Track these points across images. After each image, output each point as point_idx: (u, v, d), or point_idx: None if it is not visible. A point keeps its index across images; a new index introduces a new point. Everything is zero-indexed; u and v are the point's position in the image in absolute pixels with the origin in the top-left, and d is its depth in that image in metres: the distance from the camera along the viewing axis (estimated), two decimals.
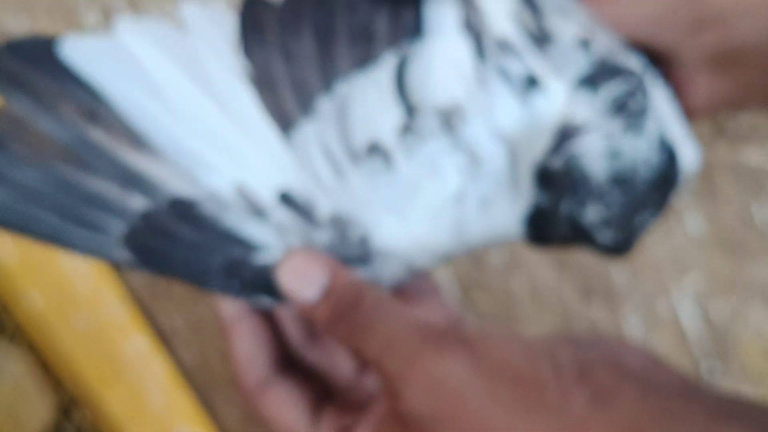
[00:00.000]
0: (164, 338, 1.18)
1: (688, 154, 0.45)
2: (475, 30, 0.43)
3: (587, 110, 0.41)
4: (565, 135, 0.41)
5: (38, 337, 1.01)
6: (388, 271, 0.41)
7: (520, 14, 0.44)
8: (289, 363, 0.45)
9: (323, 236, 0.41)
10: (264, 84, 0.41)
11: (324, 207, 0.41)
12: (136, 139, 0.39)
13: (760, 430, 0.33)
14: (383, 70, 0.42)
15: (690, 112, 0.48)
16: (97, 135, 0.39)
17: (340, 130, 0.41)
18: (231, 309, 0.44)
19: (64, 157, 0.39)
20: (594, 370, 0.35)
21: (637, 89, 0.41)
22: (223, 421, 1.22)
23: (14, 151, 0.38)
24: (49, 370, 1.03)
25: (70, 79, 0.39)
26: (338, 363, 0.46)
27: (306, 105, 0.41)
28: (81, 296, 1.03)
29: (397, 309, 0.38)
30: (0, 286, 0.98)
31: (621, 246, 0.42)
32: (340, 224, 0.41)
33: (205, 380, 1.21)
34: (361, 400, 0.44)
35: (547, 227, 0.42)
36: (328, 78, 0.41)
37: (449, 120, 0.41)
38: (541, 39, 0.44)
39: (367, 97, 0.42)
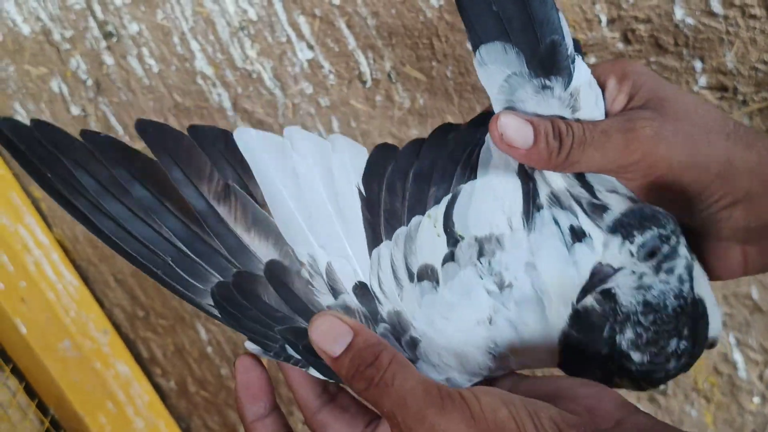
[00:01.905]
0: (144, 366, 1.21)
1: (716, 317, 0.51)
2: (529, 176, 0.52)
3: (621, 256, 0.46)
4: (599, 277, 0.47)
5: (23, 364, 1.03)
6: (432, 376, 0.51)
7: (571, 187, 0.52)
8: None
9: (381, 328, 0.51)
10: (369, 206, 0.52)
11: (386, 306, 0.51)
12: (250, 221, 0.51)
13: None
14: (441, 207, 0.52)
15: (725, 278, 0.53)
16: (222, 210, 0.50)
17: (404, 251, 0.51)
18: (254, 411, 0.52)
19: (193, 220, 0.50)
20: (570, 430, 0.41)
21: (671, 235, 0.47)
22: None
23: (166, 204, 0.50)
24: (33, 395, 1.06)
25: (226, 157, 0.51)
26: (342, 425, 0.53)
27: (389, 231, 0.52)
28: (64, 324, 1.06)
29: (407, 368, 0.44)
30: None
31: (654, 372, 0.49)
32: (396, 321, 0.51)
33: (184, 406, 1.24)
34: None
35: (580, 361, 0.49)
36: (407, 212, 0.53)
37: (484, 248, 0.50)
38: (597, 207, 0.51)
39: (425, 228, 0.52)
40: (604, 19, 0.87)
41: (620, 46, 0.88)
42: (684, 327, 0.48)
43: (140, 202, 0.50)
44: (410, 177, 0.53)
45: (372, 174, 0.53)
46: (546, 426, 0.41)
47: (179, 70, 0.98)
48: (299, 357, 0.50)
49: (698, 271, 0.51)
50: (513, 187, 0.52)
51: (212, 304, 0.50)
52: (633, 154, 0.49)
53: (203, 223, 0.50)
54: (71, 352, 1.06)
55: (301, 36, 0.94)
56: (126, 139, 1.04)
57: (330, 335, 0.45)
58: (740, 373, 0.99)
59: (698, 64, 0.87)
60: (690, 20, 0.85)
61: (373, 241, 0.52)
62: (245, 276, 0.50)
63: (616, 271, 0.47)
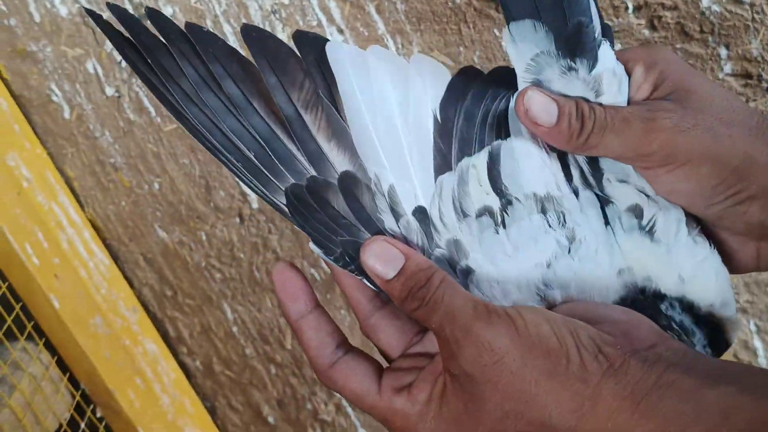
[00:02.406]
0: (170, 345, 1.23)
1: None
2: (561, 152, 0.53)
3: None
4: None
5: (56, 339, 1.05)
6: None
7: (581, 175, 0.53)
8: (351, 347, 0.53)
9: (437, 253, 0.53)
10: (442, 133, 0.53)
11: (443, 235, 0.52)
12: (331, 131, 0.53)
13: (741, 389, 0.40)
14: (480, 161, 0.53)
15: (740, 271, 0.54)
16: (308, 118, 0.52)
17: (459, 194, 0.53)
18: (295, 309, 0.52)
19: (279, 123, 0.53)
20: (607, 347, 0.43)
21: None
22: (225, 425, 1.27)
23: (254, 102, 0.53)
24: (65, 369, 1.08)
25: (320, 67, 0.53)
26: (394, 330, 0.55)
27: (459, 160, 0.54)
28: (95, 301, 1.08)
29: (456, 288, 0.46)
30: (20, 290, 1.03)
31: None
32: (454, 250, 0.52)
33: (209, 386, 1.25)
34: (412, 365, 0.51)
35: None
36: (479, 145, 0.54)
37: (545, 205, 0.51)
38: (601, 201, 0.53)
39: (472, 179, 0.53)
40: (630, 5, 0.88)
41: (646, 32, 0.89)
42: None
43: (230, 99, 0.52)
44: (480, 111, 0.54)
45: (450, 100, 0.54)
46: (585, 343, 0.43)
47: None
48: (355, 267, 0.51)
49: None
50: (551, 158, 0.53)
51: (284, 203, 0.52)
52: (652, 143, 0.49)
53: (289, 127, 0.52)
54: (102, 329, 1.08)
55: (331, 20, 0.96)
56: (158, 121, 1.06)
57: (382, 259, 0.47)
58: (760, 360, 0.99)
59: (723, 52, 0.87)
60: (716, 7, 0.86)
61: (441, 168, 0.53)
62: (320, 181, 0.52)
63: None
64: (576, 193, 0.52)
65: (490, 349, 0.43)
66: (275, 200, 0.53)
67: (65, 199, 1.08)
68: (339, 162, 0.52)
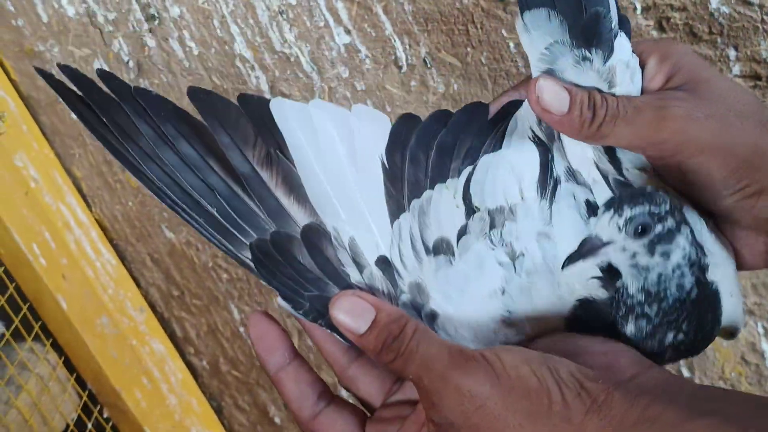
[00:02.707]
0: (177, 345, 1.23)
1: (734, 307, 0.51)
2: (547, 148, 0.52)
3: (609, 229, 0.47)
4: (587, 248, 0.48)
5: (63, 339, 1.05)
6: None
7: (599, 161, 0.52)
8: (333, 396, 0.53)
9: (403, 299, 0.52)
10: (391, 178, 0.53)
11: (406, 278, 0.52)
12: (289, 187, 0.53)
13: (724, 419, 0.39)
14: (461, 178, 0.53)
15: (747, 268, 0.53)
16: (265, 175, 0.52)
17: (419, 225, 0.52)
18: (274, 362, 0.52)
19: (236, 181, 0.53)
20: (588, 382, 0.42)
21: (666, 215, 0.47)
22: (231, 425, 1.27)
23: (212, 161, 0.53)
24: (72, 369, 1.08)
25: (269, 126, 0.53)
26: (372, 379, 0.55)
27: (410, 202, 0.53)
28: (102, 301, 1.08)
29: (430, 336, 0.45)
30: (27, 291, 1.03)
31: (654, 356, 0.48)
32: (417, 293, 0.52)
33: (216, 385, 1.25)
34: (394, 415, 0.51)
35: (589, 332, 0.50)
36: (428, 184, 0.54)
37: (495, 220, 0.51)
38: (622, 184, 0.51)
39: (442, 200, 0.53)
40: (638, 6, 0.87)
41: (654, 33, 0.88)
42: (684, 321, 0.48)
43: (186, 159, 0.52)
44: (434, 148, 0.53)
45: (395, 145, 0.53)
46: (566, 380, 0.42)
47: (219, 53, 1.00)
48: (325, 322, 0.51)
49: (720, 257, 0.51)
50: (530, 157, 0.52)
51: (250, 257, 0.52)
52: (662, 131, 0.48)
53: (246, 185, 0.52)
54: (109, 329, 1.08)
55: (338, 20, 0.96)
56: None
57: (352, 313, 0.46)
58: None
59: (732, 53, 0.87)
60: (725, 9, 0.85)
61: (396, 212, 0.53)
62: (283, 235, 0.52)
63: (604, 244, 0.47)
64: (556, 184, 0.52)
65: (471, 396, 0.42)
66: (240, 255, 0.52)
67: (72, 200, 1.08)
68: (300, 216, 0.52)
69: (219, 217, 0.52)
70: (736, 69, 0.88)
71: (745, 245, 0.52)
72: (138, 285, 1.18)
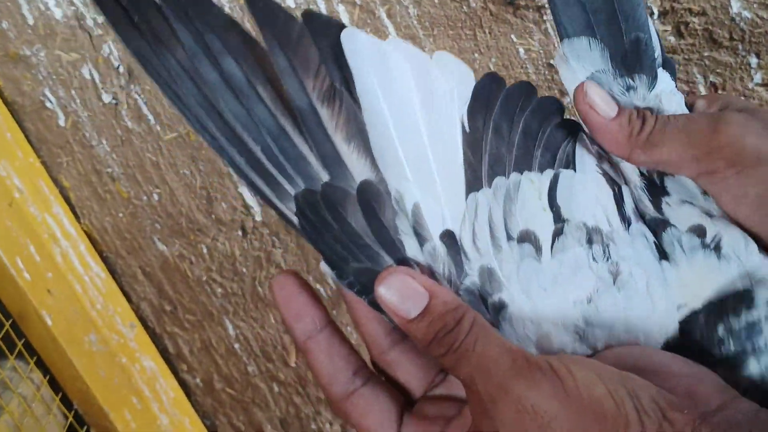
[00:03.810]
0: (170, 362, 1.19)
1: None
2: (615, 182, 0.48)
3: None
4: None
5: (48, 357, 1.01)
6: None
7: (640, 198, 0.49)
8: (370, 374, 0.47)
9: (467, 283, 0.45)
10: (472, 144, 0.46)
11: (475, 262, 0.45)
12: (351, 132, 0.44)
13: None
14: (543, 179, 0.47)
15: None
16: (324, 113, 0.44)
17: (504, 210, 0.46)
18: (303, 328, 0.47)
19: (286, 116, 0.44)
20: (672, 412, 0.37)
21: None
22: None
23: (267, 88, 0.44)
24: (57, 389, 1.04)
25: (337, 56, 0.44)
26: (415, 367, 0.48)
27: (491, 177, 0.47)
28: (90, 317, 1.04)
29: (490, 333, 0.40)
30: (10, 306, 0.99)
31: None
32: (487, 280, 0.45)
33: (210, 404, 1.21)
34: (438, 414, 0.45)
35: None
36: (513, 165, 0.48)
37: (592, 236, 0.46)
38: (658, 223, 0.47)
39: (527, 194, 0.47)
40: (656, 11, 0.84)
41: (672, 39, 0.84)
42: None
43: (231, 80, 0.43)
44: (519, 127, 0.48)
45: (478, 107, 0.47)
46: (647, 408, 0.36)
47: None
48: (371, 300, 0.44)
49: None
50: (607, 191, 0.48)
51: (294, 210, 0.44)
52: (719, 136, 0.44)
53: (300, 121, 0.44)
54: (97, 346, 1.03)
55: None
56: (157, 129, 1.02)
57: (402, 294, 0.40)
58: None
59: (754, 60, 0.83)
60: (747, 13, 0.82)
61: (472, 184, 0.46)
62: (337, 189, 0.44)
63: None
64: (628, 223, 0.47)
65: (534, 412, 0.36)
66: (283, 208, 0.44)
67: (59, 210, 1.04)
68: (359, 169, 0.44)
69: (263, 157, 0.44)
70: (758, 77, 0.84)
71: None
72: (129, 300, 1.13)
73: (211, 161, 1.02)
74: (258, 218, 1.05)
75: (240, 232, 1.07)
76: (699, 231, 0.46)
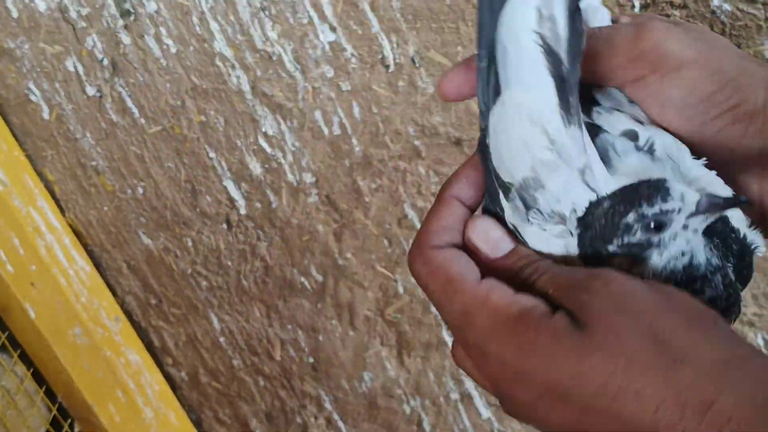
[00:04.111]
0: (155, 355, 1.19)
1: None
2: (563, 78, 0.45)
3: None
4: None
5: (31, 350, 1.01)
6: None
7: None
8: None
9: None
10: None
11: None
12: None
13: None
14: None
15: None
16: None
17: None
18: (457, 187, 0.48)
19: None
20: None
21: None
22: None
23: None
24: (41, 382, 1.04)
25: None
26: None
27: None
28: (75, 311, 1.04)
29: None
30: None
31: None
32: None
33: (195, 397, 1.21)
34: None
35: None
36: None
37: (526, 199, 0.45)
38: (592, 128, 0.46)
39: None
40: (637, 3, 0.85)
41: None
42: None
43: None
44: None
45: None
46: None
47: (197, 51, 0.96)
48: None
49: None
50: (544, 87, 0.44)
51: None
52: (641, 42, 0.45)
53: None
54: (81, 339, 1.03)
55: (323, 17, 0.92)
56: (142, 123, 1.02)
57: (483, 236, 0.46)
58: None
59: None
60: (727, 6, 0.82)
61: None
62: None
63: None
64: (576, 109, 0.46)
65: (622, 283, 0.40)
66: None
67: (44, 204, 1.04)
68: None
69: None
70: None
71: (737, 189, 0.47)
72: (114, 293, 1.13)
73: (195, 154, 1.02)
74: (242, 211, 1.06)
75: (225, 226, 1.07)
76: (631, 135, 0.46)
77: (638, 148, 0.46)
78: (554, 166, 0.44)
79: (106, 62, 0.99)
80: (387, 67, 0.93)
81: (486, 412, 1.11)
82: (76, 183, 1.07)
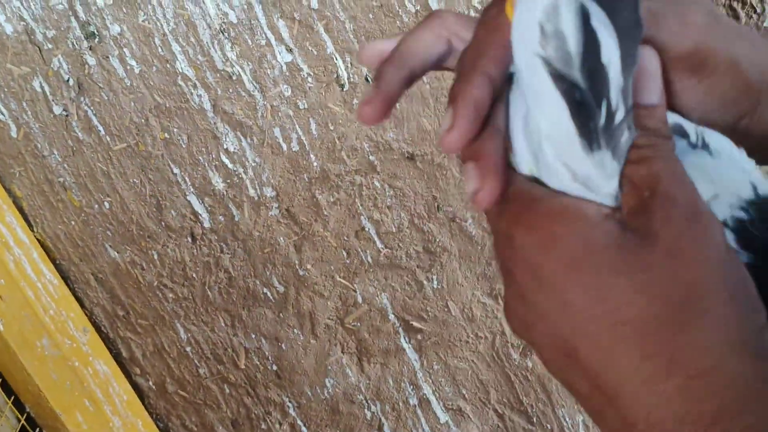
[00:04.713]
0: (123, 365, 1.21)
1: None
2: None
3: None
4: None
5: (0, 362, 1.03)
6: None
7: None
8: None
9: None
10: None
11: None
12: None
13: None
14: None
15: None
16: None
17: None
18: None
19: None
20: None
21: None
22: None
23: None
24: (10, 392, 1.06)
25: None
26: None
27: None
28: (43, 322, 1.07)
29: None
30: None
31: None
32: None
33: (162, 406, 1.24)
34: None
35: None
36: None
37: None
38: None
39: None
40: None
41: None
42: None
43: None
44: None
45: None
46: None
47: (160, 71, 0.99)
48: None
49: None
50: (559, 115, 0.38)
51: None
52: (686, 39, 0.41)
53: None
54: (49, 350, 1.06)
55: (280, 39, 0.95)
56: (107, 140, 1.05)
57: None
58: None
59: None
60: None
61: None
62: None
63: None
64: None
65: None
66: None
67: (12, 219, 1.06)
68: None
69: None
70: None
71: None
72: (82, 305, 1.16)
73: (159, 170, 1.06)
74: (206, 225, 1.09)
75: (189, 239, 1.10)
76: (679, 130, 0.43)
77: (693, 146, 0.42)
78: (583, 196, 0.39)
79: (71, 82, 1.02)
80: (342, 85, 0.97)
81: (444, 416, 1.15)
82: (43, 198, 1.10)
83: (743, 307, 0.36)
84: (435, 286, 1.11)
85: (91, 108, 1.03)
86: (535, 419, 1.16)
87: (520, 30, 0.37)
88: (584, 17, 0.36)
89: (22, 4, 0.98)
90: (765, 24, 0.85)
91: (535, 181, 0.40)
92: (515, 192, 0.39)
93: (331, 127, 0.99)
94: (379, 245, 1.06)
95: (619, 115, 0.38)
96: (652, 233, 0.37)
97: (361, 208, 1.04)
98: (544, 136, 0.38)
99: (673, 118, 0.41)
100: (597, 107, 0.37)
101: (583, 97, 0.37)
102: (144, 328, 1.18)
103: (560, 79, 0.36)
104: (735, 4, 0.84)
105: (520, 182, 0.40)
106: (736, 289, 0.37)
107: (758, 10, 0.84)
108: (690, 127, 0.42)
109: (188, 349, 1.19)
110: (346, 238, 1.06)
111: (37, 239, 1.11)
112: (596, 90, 0.37)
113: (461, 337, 1.13)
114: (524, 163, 0.40)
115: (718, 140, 0.42)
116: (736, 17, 0.84)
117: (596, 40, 0.36)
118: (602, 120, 0.37)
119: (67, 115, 1.04)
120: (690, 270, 0.36)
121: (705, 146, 0.42)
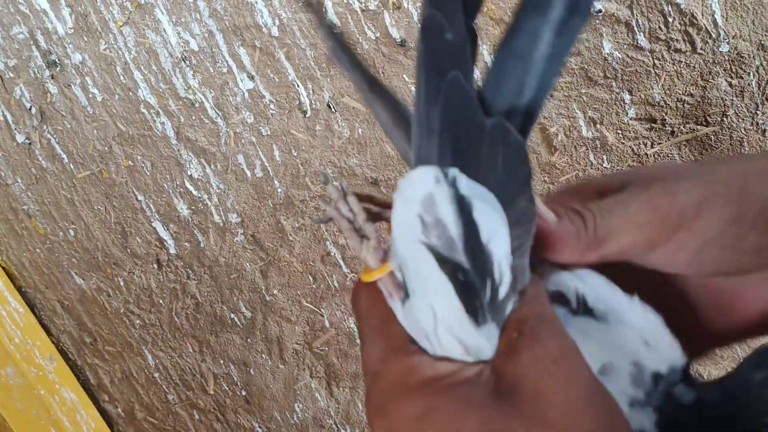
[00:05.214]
0: (91, 393, 1.20)
1: None
2: None
3: None
4: None
5: None
6: None
7: None
8: None
9: None
10: None
11: None
12: None
13: None
14: None
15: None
16: None
17: None
18: None
19: None
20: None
21: None
22: None
23: None
24: None
25: None
26: None
27: None
28: (8, 351, 1.06)
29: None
30: None
31: None
32: None
33: None
34: None
35: None
36: None
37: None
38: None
39: None
40: None
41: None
42: None
43: None
44: None
45: None
46: None
47: (123, 99, 0.99)
48: None
49: None
50: (446, 294, 0.40)
51: None
52: (664, 211, 0.41)
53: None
54: (14, 379, 1.05)
55: (241, 66, 0.96)
56: (71, 168, 1.05)
57: None
58: None
59: (627, 96, 0.89)
60: (617, 53, 0.87)
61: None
62: None
63: None
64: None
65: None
66: None
67: None
68: None
69: None
70: (632, 112, 0.89)
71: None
72: (48, 333, 1.15)
73: (124, 197, 1.05)
74: (172, 251, 1.09)
75: (155, 265, 1.10)
76: (559, 298, 0.43)
77: (573, 311, 0.43)
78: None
79: (34, 110, 1.02)
80: (304, 112, 0.97)
81: None
82: (8, 226, 1.09)
83: None
84: None
85: (54, 136, 1.03)
86: None
87: (400, 226, 0.38)
88: (460, 202, 0.37)
89: None
90: (720, 49, 0.86)
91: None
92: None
93: (295, 153, 0.99)
94: (345, 270, 1.06)
95: (503, 290, 0.39)
96: (519, 376, 0.37)
97: (326, 233, 1.04)
98: (439, 319, 0.39)
99: (556, 284, 0.43)
100: (482, 285, 0.38)
101: (467, 278, 0.38)
102: (111, 355, 1.18)
103: (445, 262, 0.38)
104: (690, 30, 0.85)
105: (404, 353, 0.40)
106: (605, 424, 0.37)
107: (713, 35, 0.85)
108: (569, 287, 0.43)
109: (156, 375, 1.18)
110: (312, 263, 1.06)
111: (2, 267, 1.10)
112: (479, 269, 0.38)
113: None
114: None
115: (596, 290, 0.43)
116: (692, 43, 0.85)
117: (473, 221, 0.37)
118: (487, 296, 0.39)
119: (30, 144, 1.04)
120: (556, 410, 0.36)
121: (587, 309, 0.42)
